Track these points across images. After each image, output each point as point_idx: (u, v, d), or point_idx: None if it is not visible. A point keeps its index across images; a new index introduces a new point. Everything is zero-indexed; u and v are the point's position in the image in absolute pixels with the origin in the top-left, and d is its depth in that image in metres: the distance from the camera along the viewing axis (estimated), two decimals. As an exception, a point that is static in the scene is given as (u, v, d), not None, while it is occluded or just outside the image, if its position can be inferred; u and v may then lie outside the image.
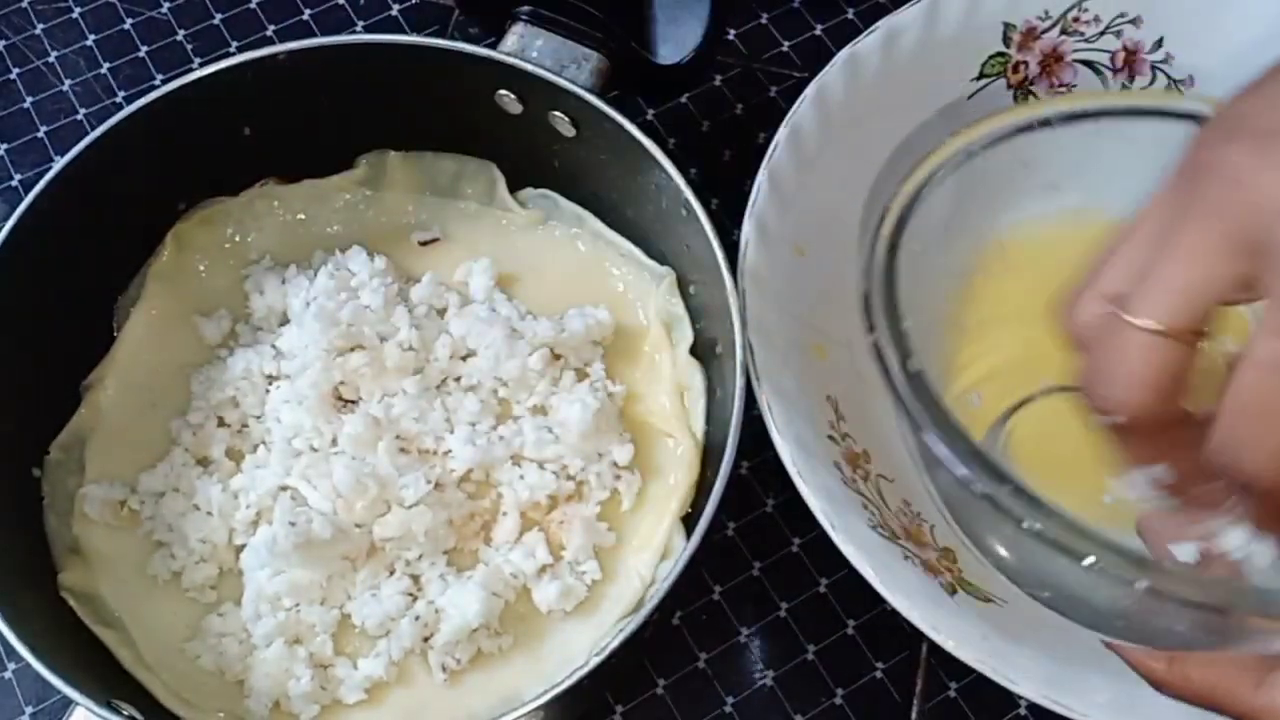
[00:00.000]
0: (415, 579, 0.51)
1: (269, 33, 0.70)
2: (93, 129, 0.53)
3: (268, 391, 0.54)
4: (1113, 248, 0.35)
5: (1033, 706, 0.54)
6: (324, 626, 0.50)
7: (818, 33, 0.69)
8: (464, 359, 0.54)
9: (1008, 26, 0.58)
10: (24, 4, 0.71)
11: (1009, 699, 0.54)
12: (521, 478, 0.52)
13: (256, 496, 0.51)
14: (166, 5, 0.71)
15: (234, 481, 0.52)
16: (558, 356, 0.54)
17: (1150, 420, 0.33)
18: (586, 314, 0.55)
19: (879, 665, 0.55)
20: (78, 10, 0.71)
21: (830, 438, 0.51)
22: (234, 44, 0.70)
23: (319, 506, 0.50)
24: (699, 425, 0.53)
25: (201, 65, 0.60)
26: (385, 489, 0.50)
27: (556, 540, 0.52)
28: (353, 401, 0.53)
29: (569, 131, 0.54)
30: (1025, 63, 0.59)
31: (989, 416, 0.54)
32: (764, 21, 0.69)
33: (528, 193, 0.58)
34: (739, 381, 0.48)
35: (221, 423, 0.54)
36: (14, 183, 0.66)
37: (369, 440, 0.51)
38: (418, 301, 0.55)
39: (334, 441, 0.52)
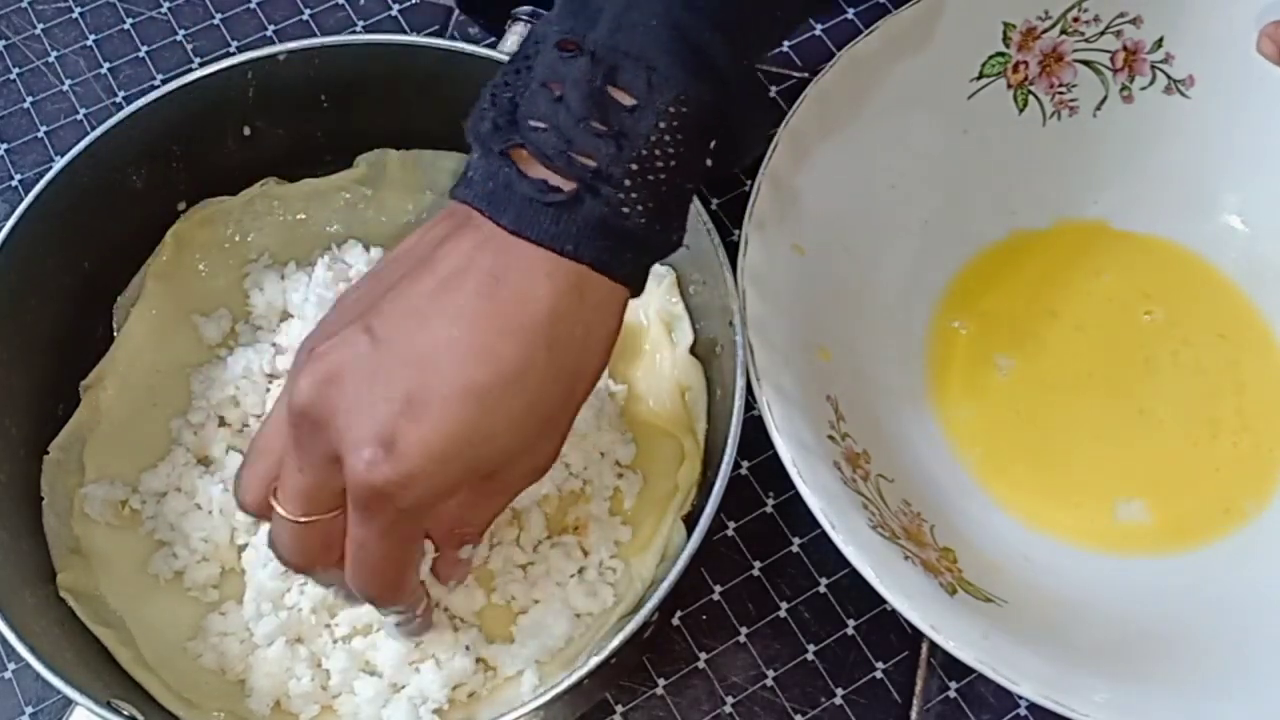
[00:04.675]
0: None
1: (269, 33, 0.70)
2: (93, 129, 0.53)
3: (268, 390, 0.54)
4: (257, 443, 0.41)
5: (1033, 706, 0.54)
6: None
7: (818, 33, 0.69)
8: None
9: (1008, 26, 0.58)
10: (24, 4, 0.71)
11: (1009, 699, 0.54)
12: None
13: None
14: (166, 5, 0.71)
15: (235, 481, 0.52)
16: None
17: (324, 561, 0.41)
18: None
19: (879, 665, 0.55)
20: (78, 10, 0.71)
21: (830, 438, 0.51)
22: (234, 44, 0.70)
23: None
24: (699, 425, 0.53)
25: (201, 65, 0.60)
26: None
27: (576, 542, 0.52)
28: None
29: (569, 131, 0.54)
30: (1025, 63, 0.59)
31: (972, 343, 0.58)
32: (764, 21, 0.69)
33: (528, 193, 0.58)
34: (739, 381, 0.48)
35: (222, 422, 0.54)
36: (14, 183, 0.66)
37: None
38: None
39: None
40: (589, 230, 0.38)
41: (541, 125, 0.38)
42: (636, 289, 0.41)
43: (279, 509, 0.40)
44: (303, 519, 0.40)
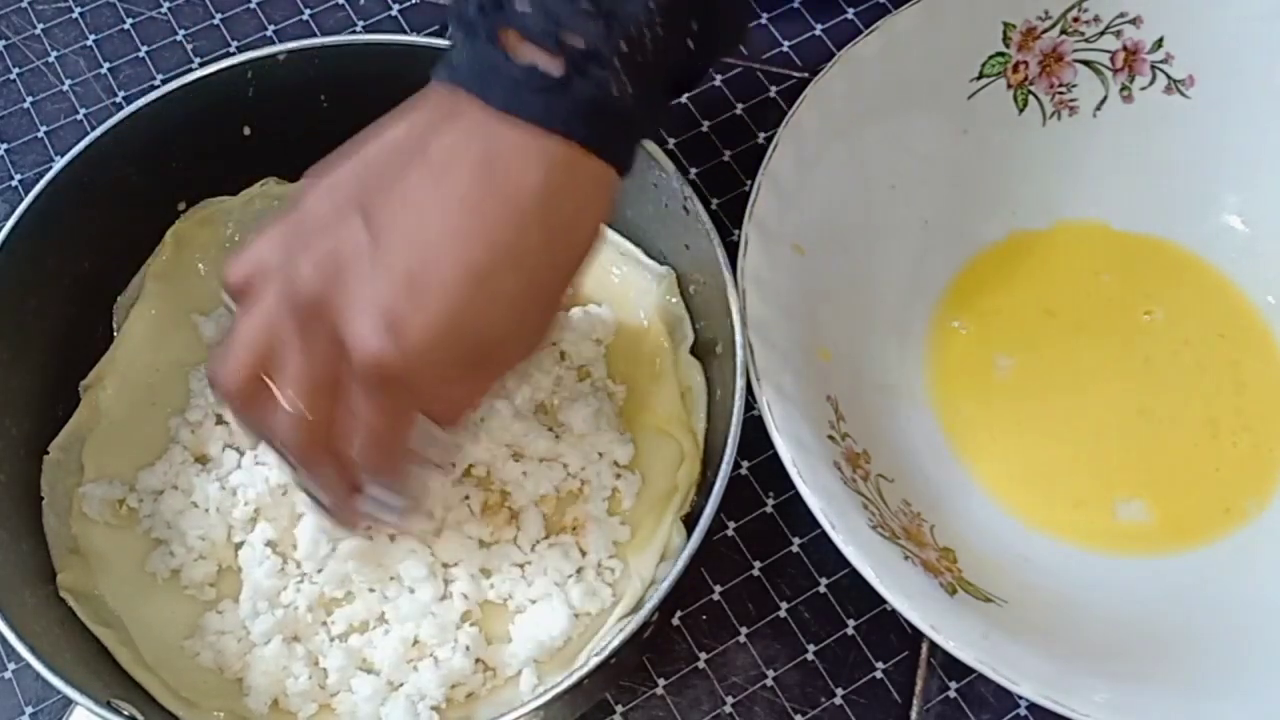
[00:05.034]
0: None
1: (269, 33, 0.70)
2: (93, 129, 0.53)
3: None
4: (245, 326, 0.42)
5: (1033, 706, 0.54)
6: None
7: (818, 33, 0.69)
8: None
9: (1008, 26, 0.58)
10: (24, 4, 0.71)
11: (1009, 699, 0.54)
12: (525, 474, 0.52)
13: (255, 494, 0.51)
14: (166, 5, 0.71)
15: (232, 478, 0.52)
16: (562, 355, 0.54)
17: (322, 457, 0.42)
18: (590, 312, 0.55)
19: (879, 665, 0.55)
20: (78, 10, 0.71)
21: (830, 438, 0.51)
22: (234, 44, 0.70)
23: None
24: (699, 425, 0.53)
25: (201, 65, 0.60)
26: None
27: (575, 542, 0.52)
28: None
29: (569, 131, 0.54)
30: (1025, 63, 0.59)
31: (972, 343, 0.58)
32: (764, 21, 0.69)
33: (528, 192, 0.58)
34: (739, 381, 0.48)
35: (220, 420, 0.54)
36: (14, 183, 0.66)
37: None
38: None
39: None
40: (579, 110, 0.39)
41: (529, 8, 0.39)
42: (624, 168, 0.42)
43: (283, 402, 0.41)
44: (306, 407, 0.41)
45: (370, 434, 0.41)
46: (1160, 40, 0.59)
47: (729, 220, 0.61)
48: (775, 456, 0.48)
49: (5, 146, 0.67)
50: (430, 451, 0.45)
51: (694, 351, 0.54)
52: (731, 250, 0.51)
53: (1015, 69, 0.59)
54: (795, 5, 0.70)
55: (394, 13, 0.70)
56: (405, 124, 0.41)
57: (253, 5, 0.71)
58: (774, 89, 0.67)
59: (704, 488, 0.51)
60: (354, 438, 0.42)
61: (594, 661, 0.44)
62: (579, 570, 0.51)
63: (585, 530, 0.51)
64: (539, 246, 0.40)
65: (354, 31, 0.70)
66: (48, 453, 0.53)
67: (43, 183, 0.51)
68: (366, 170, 0.41)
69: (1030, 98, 0.60)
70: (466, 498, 0.51)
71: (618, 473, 0.52)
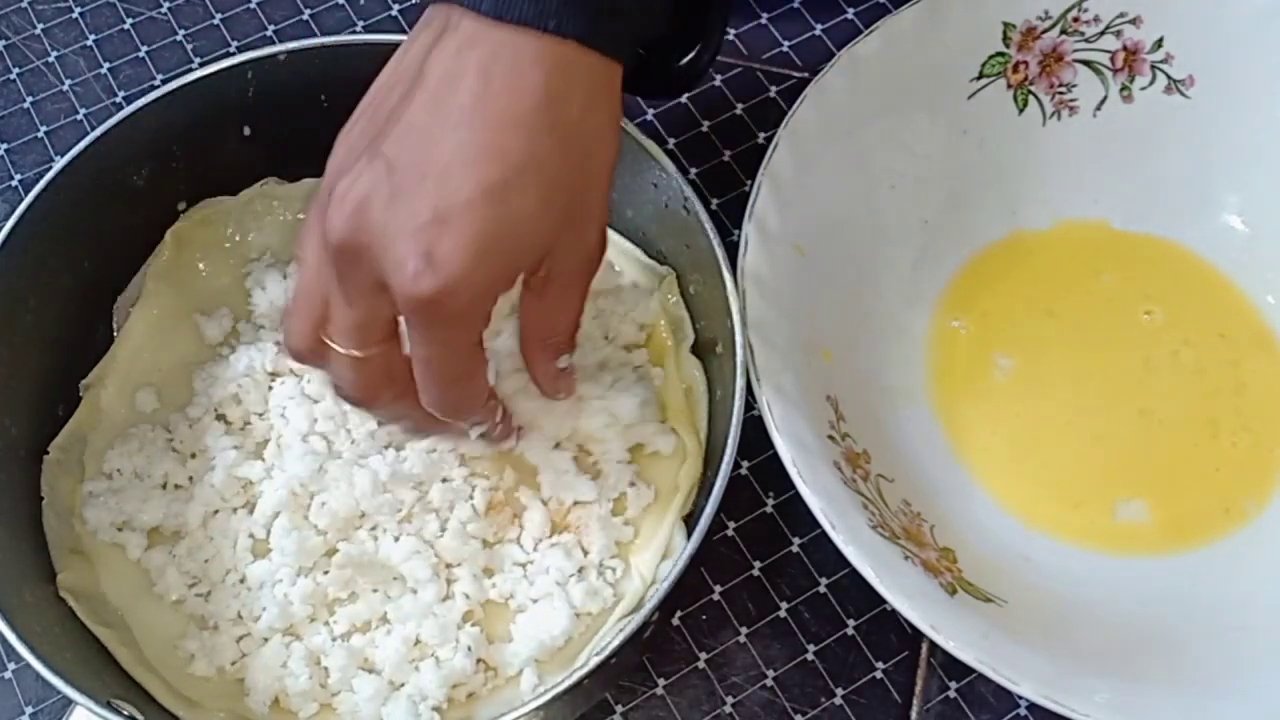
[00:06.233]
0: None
1: (269, 33, 0.70)
2: (93, 129, 0.53)
3: (270, 388, 0.54)
4: (299, 291, 0.43)
5: (1033, 706, 0.54)
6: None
7: (818, 33, 0.69)
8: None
9: (1008, 26, 0.58)
10: (24, 4, 0.71)
11: (1009, 699, 0.54)
12: (560, 473, 0.52)
13: (265, 495, 0.51)
14: (166, 5, 0.71)
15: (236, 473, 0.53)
16: (607, 336, 0.54)
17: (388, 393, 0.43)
18: (639, 285, 0.55)
19: (879, 665, 0.55)
20: (78, 10, 0.71)
21: (830, 438, 0.51)
22: (234, 44, 0.70)
23: (336, 508, 0.50)
24: (700, 425, 0.53)
25: (201, 65, 0.60)
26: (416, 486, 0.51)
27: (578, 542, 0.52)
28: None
29: (569, 131, 0.54)
30: (1025, 63, 0.59)
31: (972, 343, 0.58)
32: (764, 21, 0.69)
33: (528, 192, 0.58)
34: (739, 381, 0.48)
35: (223, 419, 0.54)
36: (14, 183, 0.66)
37: (382, 438, 0.52)
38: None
39: (350, 438, 0.52)
40: (569, 4, 0.39)
41: None
42: (624, 61, 0.41)
43: (336, 348, 0.42)
44: (359, 352, 0.41)
45: (429, 372, 0.42)
46: (1160, 40, 0.59)
47: (729, 220, 0.61)
48: (775, 456, 0.48)
49: (5, 146, 0.67)
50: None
51: (694, 351, 0.54)
52: (731, 250, 0.51)
53: (1015, 69, 0.59)
54: (795, 5, 0.70)
55: (394, 13, 0.70)
56: (401, 52, 0.42)
57: (253, 5, 0.71)
58: (774, 89, 0.67)
59: (704, 488, 0.51)
60: (419, 378, 0.42)
61: (594, 661, 0.44)
62: (580, 570, 0.50)
63: (588, 530, 0.51)
64: (552, 150, 0.39)
65: (354, 31, 0.70)
66: (48, 453, 0.53)
67: (43, 183, 0.51)
68: (373, 108, 0.41)
69: (1030, 98, 0.60)
70: (471, 496, 0.51)
71: (631, 481, 0.52)
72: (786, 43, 0.69)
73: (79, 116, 0.68)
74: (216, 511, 0.52)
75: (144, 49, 0.70)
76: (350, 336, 0.41)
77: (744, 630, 0.56)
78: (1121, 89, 0.60)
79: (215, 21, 0.70)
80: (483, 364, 0.44)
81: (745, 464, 0.58)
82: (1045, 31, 0.59)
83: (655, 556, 0.51)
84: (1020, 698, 0.53)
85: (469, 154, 0.38)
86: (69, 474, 0.53)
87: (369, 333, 0.41)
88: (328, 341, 0.42)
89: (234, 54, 0.54)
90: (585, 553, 0.51)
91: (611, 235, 0.56)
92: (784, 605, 0.56)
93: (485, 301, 0.40)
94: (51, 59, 0.70)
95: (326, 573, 0.50)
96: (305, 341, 0.43)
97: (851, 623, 0.56)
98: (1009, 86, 0.59)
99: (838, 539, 0.47)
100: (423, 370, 0.42)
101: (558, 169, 0.40)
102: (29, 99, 0.68)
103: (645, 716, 0.54)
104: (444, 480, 0.51)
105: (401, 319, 0.41)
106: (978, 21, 0.58)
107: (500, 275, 0.40)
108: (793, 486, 0.47)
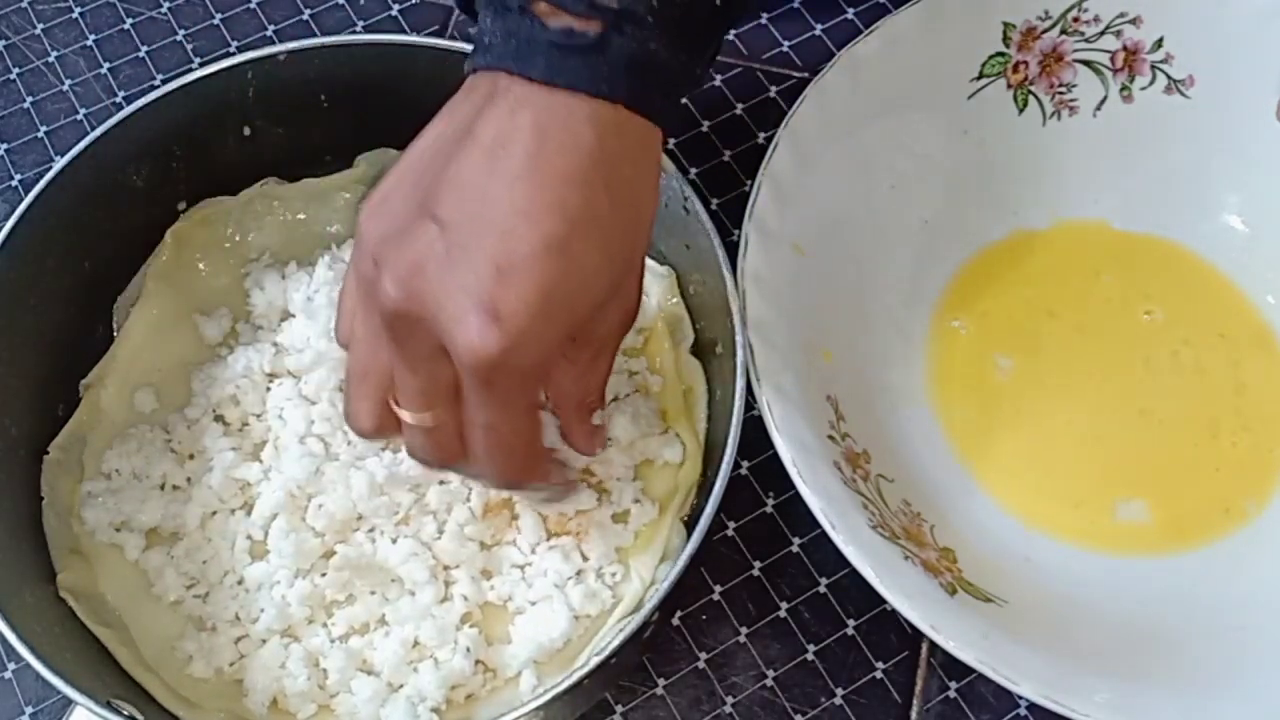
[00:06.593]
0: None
1: (269, 33, 0.70)
2: (93, 129, 0.53)
3: (268, 389, 0.54)
4: (355, 371, 0.43)
5: (1033, 706, 0.54)
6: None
7: (818, 33, 0.69)
8: None
9: (1008, 26, 0.58)
10: (24, 4, 0.71)
11: (1009, 699, 0.54)
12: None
13: (263, 497, 0.51)
14: (166, 5, 0.71)
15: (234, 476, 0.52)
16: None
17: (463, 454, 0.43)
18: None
19: (879, 665, 0.55)
20: (78, 10, 0.71)
21: (830, 438, 0.51)
22: (234, 44, 0.70)
23: (334, 510, 0.50)
24: (699, 425, 0.53)
25: (201, 65, 0.60)
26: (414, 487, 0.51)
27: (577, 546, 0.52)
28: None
29: (569, 131, 0.54)
30: (1025, 63, 0.59)
31: (972, 343, 0.58)
32: (764, 21, 0.69)
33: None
34: (739, 381, 0.48)
35: (221, 420, 0.54)
36: (14, 183, 0.66)
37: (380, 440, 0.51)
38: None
39: (347, 440, 0.52)
40: (620, 69, 0.39)
41: None
42: (671, 126, 0.42)
43: (406, 417, 0.41)
44: (429, 419, 0.41)
45: (490, 439, 0.41)
46: (1160, 40, 0.59)
47: (729, 220, 0.61)
48: (775, 456, 0.48)
49: (5, 146, 0.67)
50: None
51: (694, 351, 0.54)
52: (731, 250, 0.51)
53: (1015, 69, 0.59)
54: (795, 5, 0.70)
55: (394, 13, 0.70)
56: (446, 118, 0.41)
57: (253, 5, 0.71)
58: (774, 89, 0.67)
59: (704, 488, 0.51)
60: (478, 446, 0.41)
61: (594, 661, 0.44)
62: (579, 573, 0.50)
63: (588, 537, 0.51)
64: (608, 206, 0.39)
65: (354, 31, 0.70)
66: (48, 453, 0.53)
67: (43, 183, 0.51)
68: (417, 171, 0.40)
69: (1030, 98, 0.60)
70: (468, 499, 0.51)
71: (636, 498, 0.52)
72: (786, 43, 0.69)
73: (79, 116, 0.68)
74: (214, 513, 0.52)
75: (144, 49, 0.70)
76: (415, 404, 0.41)
77: (744, 630, 0.55)
78: (1121, 89, 0.60)
79: (215, 21, 0.70)
80: (539, 428, 0.43)
81: (745, 464, 0.58)
82: (1045, 31, 0.59)
83: (654, 558, 0.51)
84: (1020, 698, 0.53)
85: (529, 208, 0.38)
86: (69, 474, 0.53)
87: (432, 398, 0.41)
88: (398, 411, 0.42)
89: (234, 54, 0.54)
90: (585, 558, 0.51)
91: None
92: (784, 605, 0.56)
93: (548, 358, 0.40)
94: (51, 59, 0.70)
95: (324, 575, 0.50)
96: (372, 420, 0.43)
97: (851, 623, 0.55)
98: (1009, 86, 0.59)
99: (838, 539, 0.47)
100: (483, 438, 0.41)
101: (613, 224, 0.40)
102: (29, 99, 0.68)
103: (645, 716, 0.54)
104: (441, 483, 0.51)
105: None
106: (977, 21, 0.58)
107: (562, 330, 0.39)
108: (793, 486, 0.47)
